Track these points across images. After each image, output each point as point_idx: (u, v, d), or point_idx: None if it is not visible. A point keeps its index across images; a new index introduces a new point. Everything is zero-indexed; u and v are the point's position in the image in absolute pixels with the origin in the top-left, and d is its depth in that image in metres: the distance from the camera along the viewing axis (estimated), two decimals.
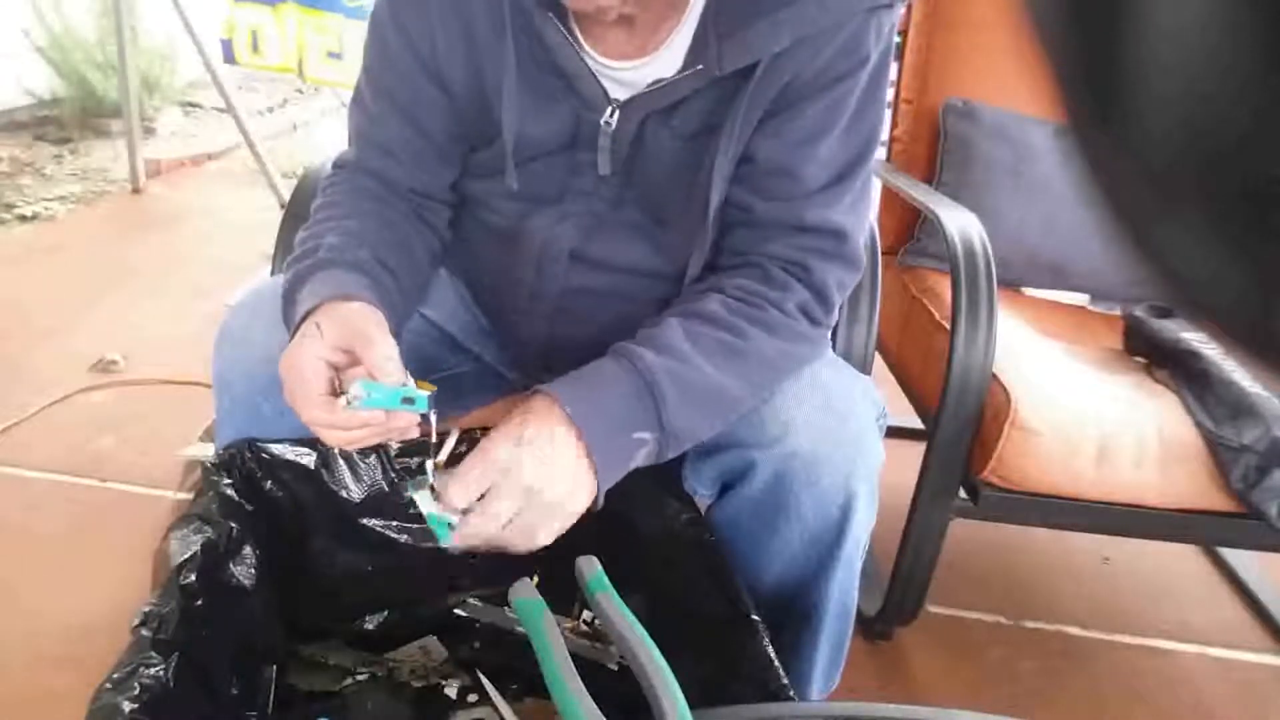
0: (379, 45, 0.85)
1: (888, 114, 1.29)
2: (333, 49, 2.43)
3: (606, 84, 0.79)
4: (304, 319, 0.72)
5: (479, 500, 0.68)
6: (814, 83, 0.77)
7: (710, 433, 0.76)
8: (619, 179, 0.83)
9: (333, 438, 0.69)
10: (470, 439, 0.79)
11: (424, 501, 0.71)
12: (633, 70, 0.79)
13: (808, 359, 0.82)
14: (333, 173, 0.89)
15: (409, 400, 0.68)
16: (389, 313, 0.74)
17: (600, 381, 0.72)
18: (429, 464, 0.73)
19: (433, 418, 0.71)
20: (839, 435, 0.79)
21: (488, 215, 0.90)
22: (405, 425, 0.70)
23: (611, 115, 0.79)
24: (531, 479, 0.68)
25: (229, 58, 2.55)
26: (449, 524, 0.70)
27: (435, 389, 0.70)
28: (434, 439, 0.72)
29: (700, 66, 0.75)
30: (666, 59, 0.78)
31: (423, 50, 0.82)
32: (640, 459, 0.73)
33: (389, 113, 0.85)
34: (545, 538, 0.70)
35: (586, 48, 0.79)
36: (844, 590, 0.87)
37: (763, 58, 0.74)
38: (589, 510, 0.72)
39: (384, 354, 0.67)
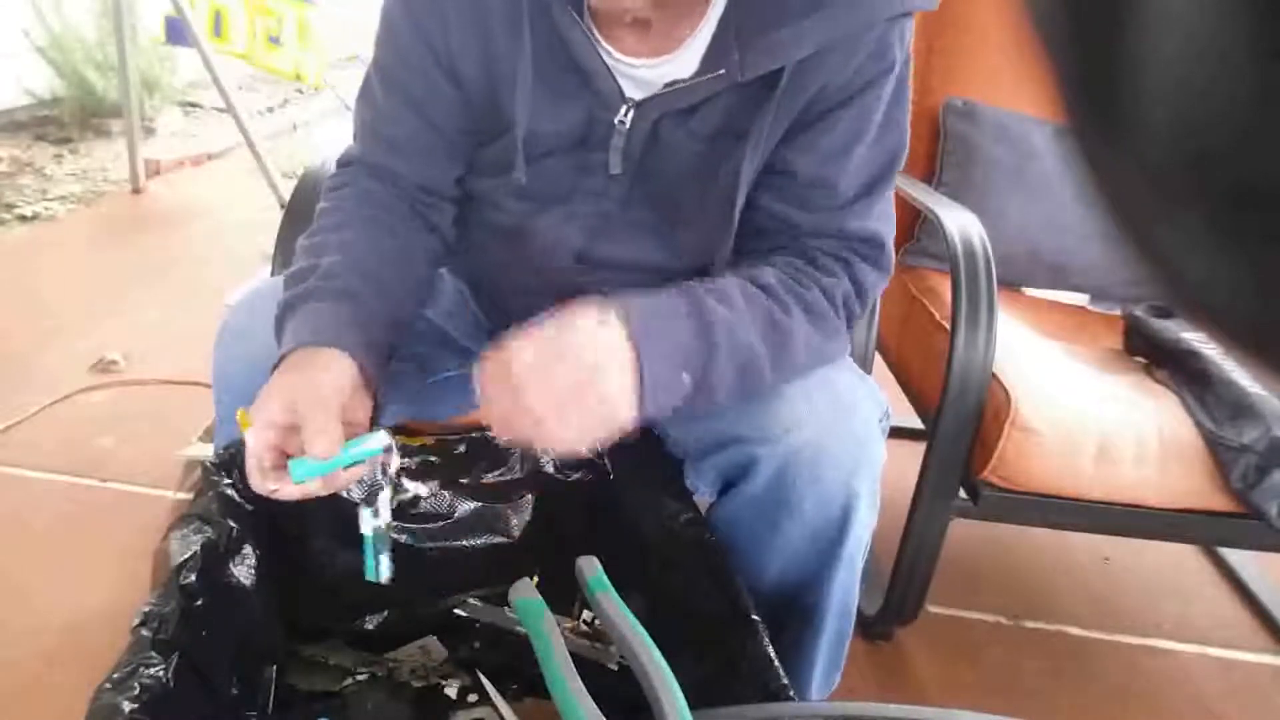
0: (391, 38, 0.84)
1: None
2: (273, 33, 2.32)
3: (622, 82, 0.79)
4: (280, 359, 0.73)
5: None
6: (844, 90, 0.77)
7: (725, 401, 0.75)
8: (629, 178, 0.83)
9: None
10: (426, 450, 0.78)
11: (365, 522, 0.74)
12: (648, 69, 0.79)
13: (830, 358, 0.82)
14: (337, 172, 0.88)
15: (358, 457, 0.70)
16: (367, 340, 0.74)
17: (667, 311, 0.71)
18: (382, 493, 0.74)
19: (394, 454, 0.73)
20: (842, 433, 0.79)
21: (493, 214, 0.90)
22: (349, 479, 0.71)
23: (626, 114, 0.79)
24: (592, 361, 0.65)
25: (177, 38, 2.33)
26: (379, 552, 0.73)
27: (386, 433, 0.72)
28: (394, 468, 0.74)
29: (722, 71, 0.74)
30: (683, 60, 0.78)
31: (436, 43, 0.82)
32: (675, 402, 0.70)
33: (400, 107, 0.85)
34: (578, 437, 0.66)
35: (604, 44, 0.79)
36: (845, 589, 0.87)
37: (786, 64, 0.74)
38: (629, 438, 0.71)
39: (315, 430, 0.67)
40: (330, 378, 0.70)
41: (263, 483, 0.69)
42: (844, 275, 0.81)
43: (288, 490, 0.69)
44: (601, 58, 0.77)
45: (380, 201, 0.85)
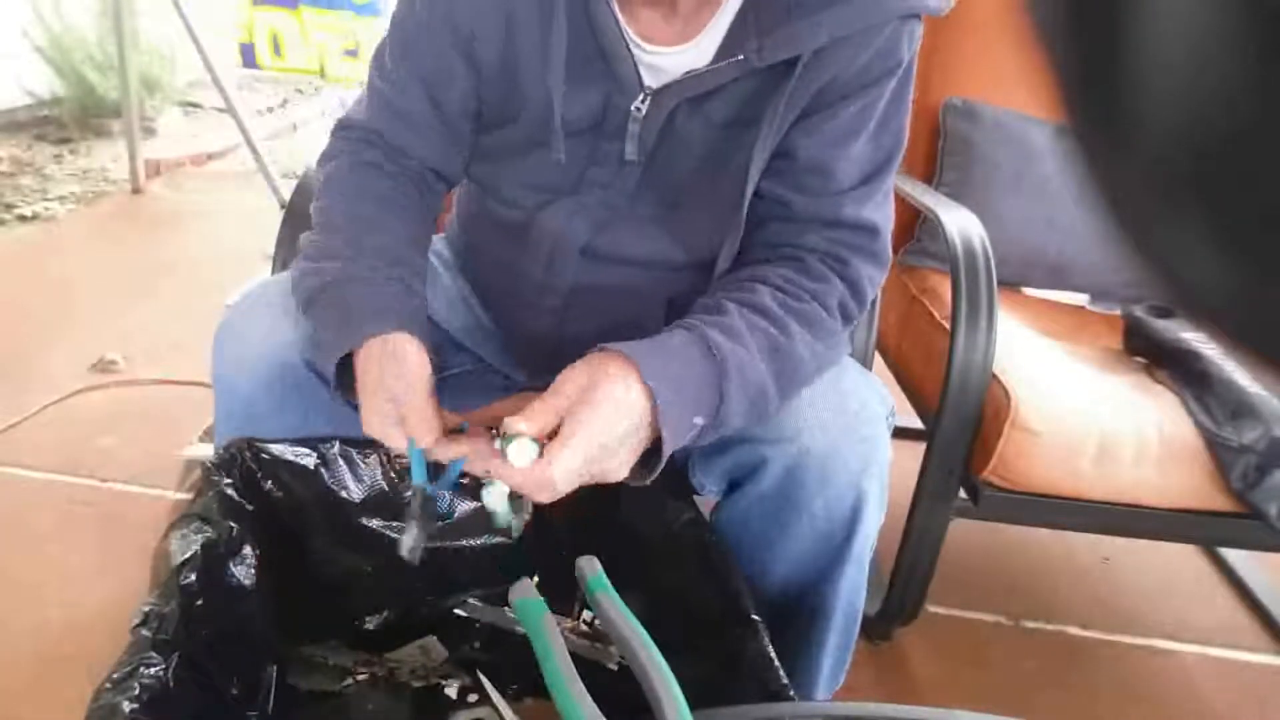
0: (410, 10, 0.84)
1: None
2: (349, 47, 2.46)
3: (641, 69, 0.79)
4: (372, 335, 0.74)
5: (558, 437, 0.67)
6: (851, 83, 0.79)
7: (738, 427, 0.76)
8: (640, 169, 0.83)
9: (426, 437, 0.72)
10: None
11: (496, 499, 0.72)
12: (667, 56, 0.79)
13: (834, 362, 0.83)
14: (337, 135, 0.89)
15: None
16: (420, 320, 0.78)
17: (679, 360, 0.71)
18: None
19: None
20: (852, 434, 0.80)
21: (497, 208, 0.90)
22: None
23: (643, 101, 0.80)
24: (607, 431, 0.67)
25: (250, 62, 2.54)
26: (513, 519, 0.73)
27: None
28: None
29: (740, 57, 0.75)
30: (700, 49, 0.79)
31: (459, 22, 0.81)
32: (686, 440, 0.72)
33: (409, 79, 0.85)
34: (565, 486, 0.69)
35: (627, 29, 0.79)
36: (853, 589, 0.87)
37: (803, 52, 0.75)
38: (641, 484, 0.72)
39: (418, 420, 0.72)
40: (417, 366, 0.73)
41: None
42: (837, 279, 0.80)
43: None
44: (626, 42, 0.78)
45: (383, 169, 0.86)
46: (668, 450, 0.69)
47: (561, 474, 0.65)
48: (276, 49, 2.49)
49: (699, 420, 0.71)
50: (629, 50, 0.78)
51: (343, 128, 0.89)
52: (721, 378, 0.71)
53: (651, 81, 0.80)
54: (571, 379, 0.68)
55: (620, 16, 0.78)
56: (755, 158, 0.79)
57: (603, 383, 0.67)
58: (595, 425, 0.66)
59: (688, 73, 0.78)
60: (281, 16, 2.44)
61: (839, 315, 0.80)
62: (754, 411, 0.75)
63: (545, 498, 0.67)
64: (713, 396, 0.71)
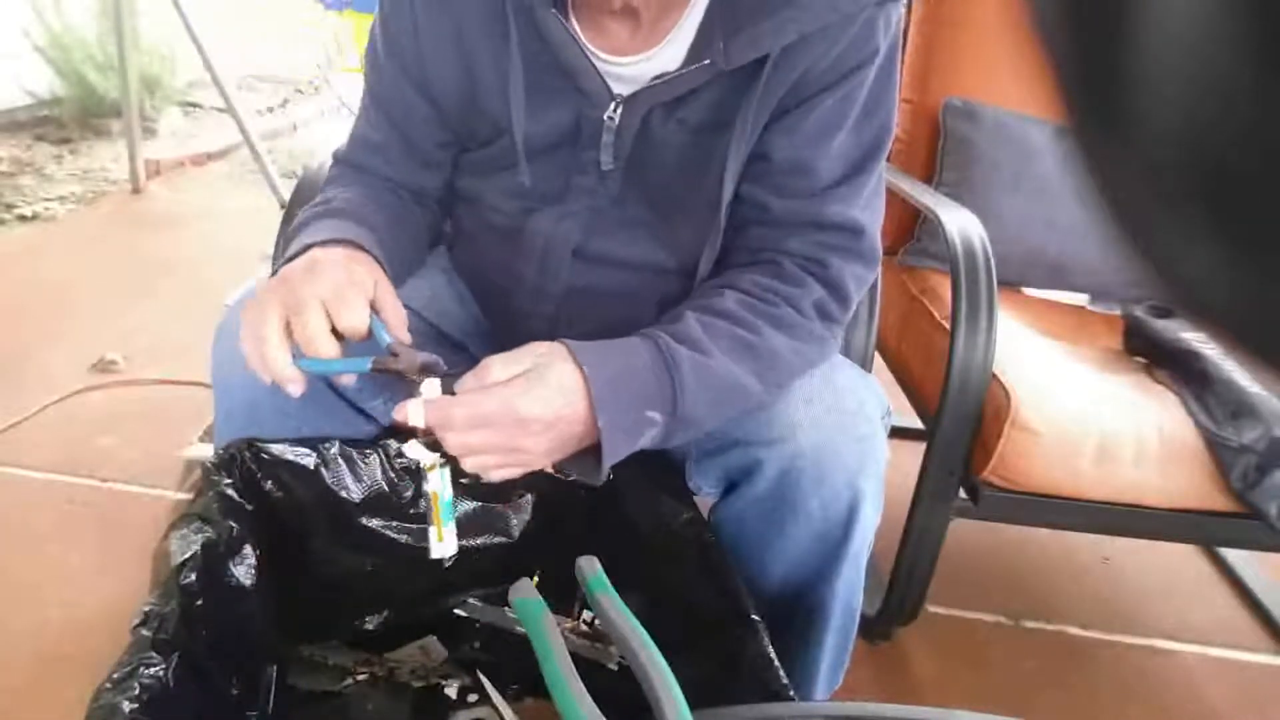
0: (371, 51, 0.88)
1: None
2: None
3: (609, 80, 0.79)
4: (310, 247, 0.74)
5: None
6: (826, 76, 0.78)
7: (715, 424, 0.76)
8: (622, 174, 0.84)
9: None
10: None
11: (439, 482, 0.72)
12: (635, 65, 0.79)
13: (820, 359, 0.82)
14: (333, 166, 0.93)
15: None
16: (384, 255, 0.78)
17: (622, 354, 0.71)
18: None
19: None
20: (847, 434, 0.79)
21: (491, 215, 0.91)
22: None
23: (615, 110, 0.80)
24: (531, 413, 0.67)
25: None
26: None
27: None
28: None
29: (707, 61, 0.75)
30: (669, 54, 0.78)
31: (407, 57, 0.84)
32: (647, 440, 0.72)
33: (380, 118, 0.89)
34: (496, 475, 0.71)
35: (587, 43, 0.79)
36: (850, 589, 0.87)
37: (770, 52, 0.74)
38: (592, 487, 0.72)
39: (349, 310, 0.70)
40: (364, 268, 0.73)
41: (271, 360, 0.67)
42: (814, 282, 0.80)
43: (286, 374, 0.68)
44: (587, 57, 0.78)
45: (374, 186, 0.90)
46: (612, 441, 0.69)
47: (462, 414, 0.67)
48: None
49: (654, 415, 0.71)
50: (592, 64, 0.78)
51: (335, 162, 0.94)
52: (671, 372, 0.71)
53: (621, 90, 0.80)
54: (508, 365, 0.69)
55: (579, 32, 0.78)
56: (730, 161, 0.79)
57: (540, 367, 0.69)
58: (517, 392, 0.67)
59: (657, 78, 0.78)
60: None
61: (816, 317, 0.80)
62: (725, 407, 0.75)
63: (442, 429, 0.68)
64: (664, 391, 0.71)
